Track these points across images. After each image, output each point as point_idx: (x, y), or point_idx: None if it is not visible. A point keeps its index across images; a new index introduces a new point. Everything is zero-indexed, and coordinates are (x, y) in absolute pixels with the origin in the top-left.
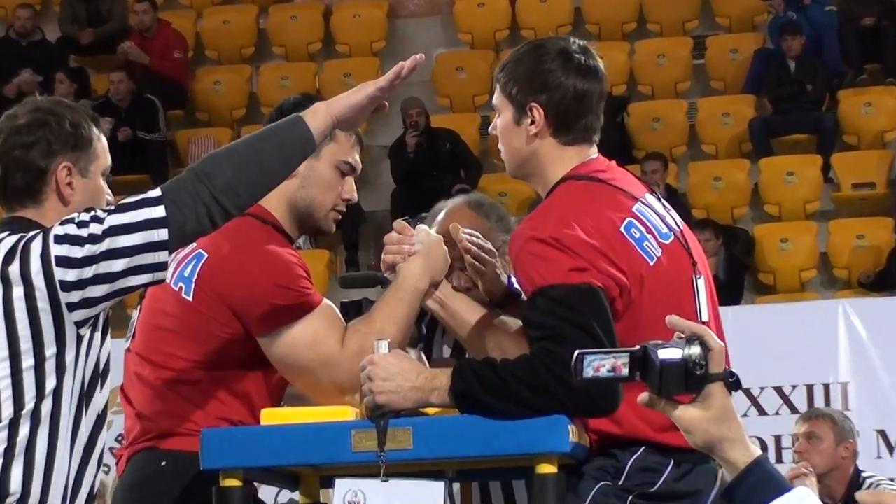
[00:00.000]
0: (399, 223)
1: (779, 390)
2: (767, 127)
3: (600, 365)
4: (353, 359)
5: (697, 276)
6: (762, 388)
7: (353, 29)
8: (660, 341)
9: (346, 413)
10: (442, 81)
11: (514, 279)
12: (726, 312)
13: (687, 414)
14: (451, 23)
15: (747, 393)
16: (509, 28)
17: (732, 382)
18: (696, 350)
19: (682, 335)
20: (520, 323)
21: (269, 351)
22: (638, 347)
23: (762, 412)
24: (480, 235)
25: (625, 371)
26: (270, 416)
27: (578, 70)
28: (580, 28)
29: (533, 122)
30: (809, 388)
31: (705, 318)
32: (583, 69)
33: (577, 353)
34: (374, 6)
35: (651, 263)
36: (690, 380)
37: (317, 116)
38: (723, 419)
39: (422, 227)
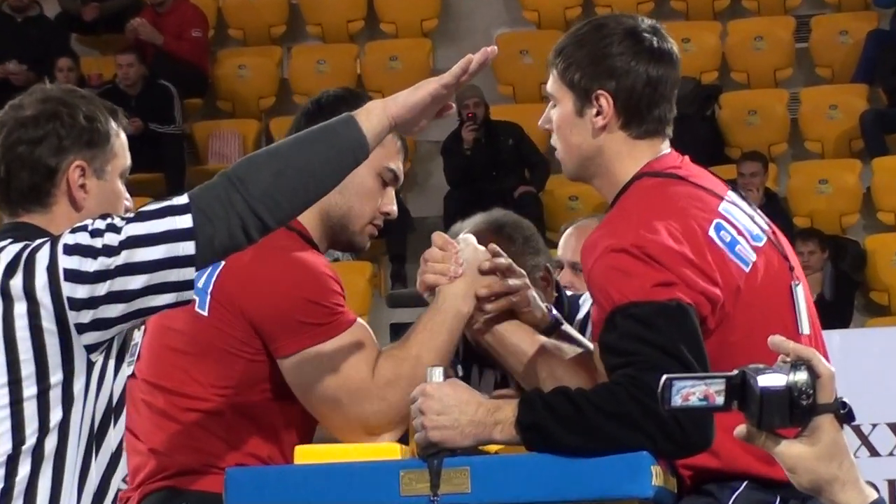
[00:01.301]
0: (440, 237)
1: (894, 427)
2: (882, 121)
3: (690, 392)
4: (385, 389)
5: (796, 283)
6: (874, 426)
7: (401, 5)
8: (760, 365)
9: (393, 451)
10: (504, 67)
11: (552, 308)
12: (833, 336)
13: (791, 450)
14: None
15: (857, 430)
16: (582, 5)
17: (844, 414)
18: (802, 376)
19: (787, 359)
20: (576, 350)
21: (291, 377)
22: (736, 373)
23: (874, 452)
24: (509, 262)
25: (719, 400)
26: (306, 454)
27: (651, 53)
28: (665, 5)
29: (599, 113)
30: None
31: (806, 331)
32: (655, 52)
33: (665, 377)
34: None
35: (746, 270)
36: (796, 411)
37: (371, 117)
38: (833, 457)
39: (467, 238)
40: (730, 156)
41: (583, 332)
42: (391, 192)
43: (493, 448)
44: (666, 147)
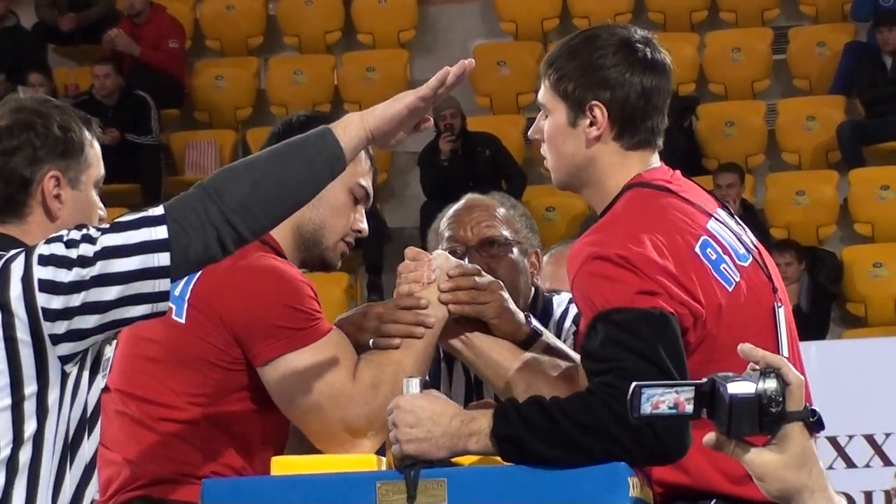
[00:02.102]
0: (412, 250)
1: (870, 439)
2: (859, 133)
3: (660, 400)
4: (367, 393)
5: (778, 305)
6: (850, 437)
7: (378, 16)
8: (730, 373)
9: (369, 462)
10: (481, 78)
11: (532, 318)
12: (809, 348)
13: (760, 458)
14: (492, 9)
15: (833, 442)
16: (559, 16)
17: (814, 422)
18: (771, 384)
19: (757, 367)
20: (556, 363)
21: (270, 382)
22: (705, 380)
23: (850, 464)
24: (477, 269)
25: (689, 407)
26: (282, 465)
27: (644, 64)
28: (642, 16)
29: (593, 124)
30: None
31: (786, 353)
32: (649, 63)
33: (634, 385)
34: None
35: (730, 289)
36: (765, 418)
37: (348, 130)
38: (802, 465)
39: (440, 252)
40: (707, 167)
41: (558, 333)
42: (362, 209)
43: (470, 459)
44: (656, 159)
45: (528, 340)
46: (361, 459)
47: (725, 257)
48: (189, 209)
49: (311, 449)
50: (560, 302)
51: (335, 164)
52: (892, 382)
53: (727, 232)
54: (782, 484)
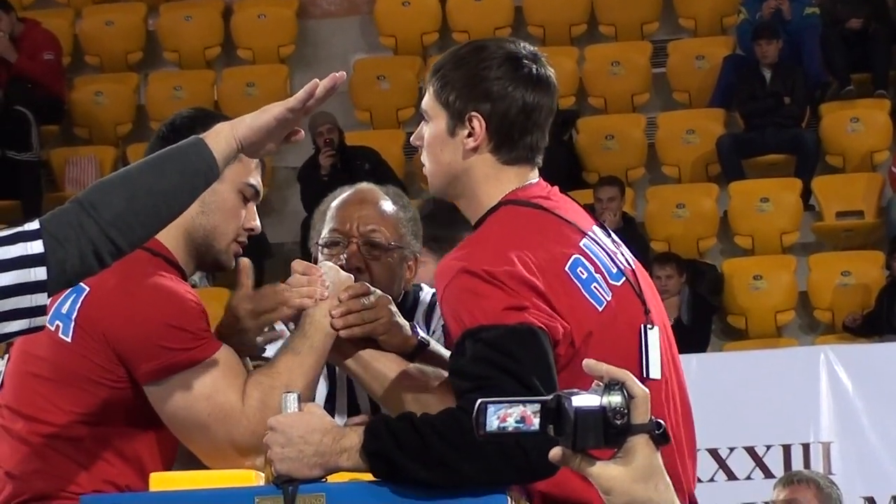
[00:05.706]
0: (301, 264)
1: (751, 451)
2: (738, 146)
3: (507, 415)
4: (255, 415)
5: (648, 327)
6: (731, 449)
7: (258, 31)
8: (575, 389)
9: (248, 477)
10: (361, 92)
11: (417, 327)
12: (690, 361)
13: (606, 471)
14: (372, 24)
15: (714, 454)
16: (439, 30)
17: (659, 435)
18: (616, 398)
19: (602, 382)
20: (440, 373)
21: (157, 403)
22: (551, 396)
23: (731, 476)
24: (366, 288)
25: (535, 422)
26: (161, 481)
27: (528, 79)
28: (521, 30)
29: (471, 135)
30: (786, 449)
31: (654, 375)
32: (533, 79)
33: (479, 402)
34: (281, 5)
35: (600, 309)
36: (610, 431)
37: (220, 139)
38: (648, 478)
39: (329, 265)
40: (587, 181)
41: (428, 325)
42: (253, 207)
43: (348, 476)
44: (534, 175)
45: (416, 352)
46: (240, 475)
47: (597, 276)
48: (65, 223)
49: (201, 464)
50: (425, 295)
51: (209, 173)
52: (772, 394)
53: (601, 251)
54: (628, 497)
